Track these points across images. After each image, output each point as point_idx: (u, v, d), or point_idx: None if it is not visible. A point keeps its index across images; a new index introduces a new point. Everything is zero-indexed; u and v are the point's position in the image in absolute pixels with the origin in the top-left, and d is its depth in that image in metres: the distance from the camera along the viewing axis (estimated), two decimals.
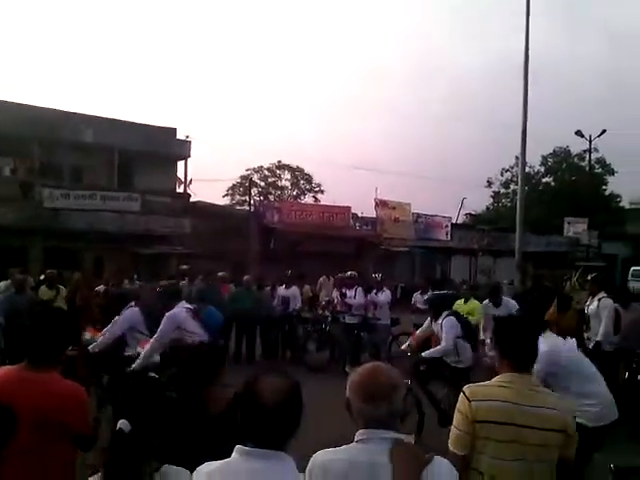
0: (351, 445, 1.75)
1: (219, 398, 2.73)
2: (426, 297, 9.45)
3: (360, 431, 1.74)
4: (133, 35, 75.97)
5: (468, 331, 6.21)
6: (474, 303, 9.02)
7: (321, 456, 1.76)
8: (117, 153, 20.95)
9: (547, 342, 3.53)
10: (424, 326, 6.73)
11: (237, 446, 1.61)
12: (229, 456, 1.65)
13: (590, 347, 7.13)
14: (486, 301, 8.33)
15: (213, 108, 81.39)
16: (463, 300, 9.11)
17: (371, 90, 79.08)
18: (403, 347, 6.86)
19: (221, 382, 2.88)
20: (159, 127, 22.88)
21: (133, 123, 21.92)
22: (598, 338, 7.12)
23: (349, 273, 10.24)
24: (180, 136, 23.40)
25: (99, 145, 20.28)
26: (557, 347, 3.73)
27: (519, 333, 2.47)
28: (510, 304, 8.01)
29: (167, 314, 5.70)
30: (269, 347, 10.50)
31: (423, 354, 5.99)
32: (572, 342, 7.14)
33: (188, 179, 24.13)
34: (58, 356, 2.55)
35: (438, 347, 5.92)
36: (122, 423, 1.90)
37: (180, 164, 24.12)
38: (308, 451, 1.80)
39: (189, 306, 5.86)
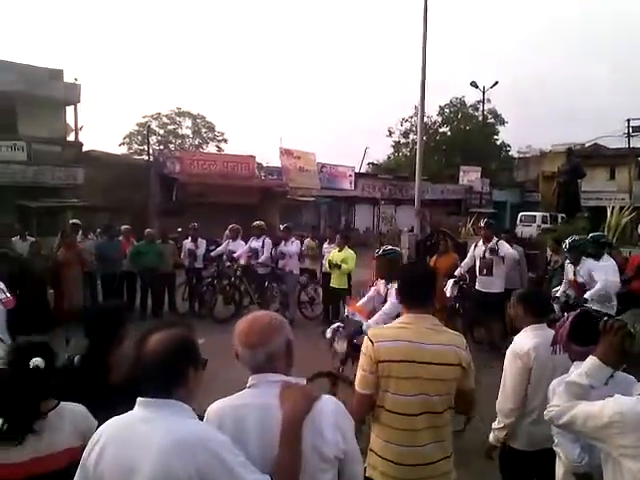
0: (243, 391, 1.79)
1: (122, 363, 2.52)
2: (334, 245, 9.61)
3: (250, 377, 1.78)
4: None
5: None
6: (348, 252, 9.28)
7: (215, 406, 1.78)
8: None
9: None
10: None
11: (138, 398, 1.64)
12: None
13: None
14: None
15: (103, 50, 75.83)
16: (338, 249, 9.37)
17: (272, 33, 76.99)
18: None
19: (123, 345, 2.57)
20: (43, 68, 20.81)
21: (12, 62, 19.75)
22: None
23: (256, 223, 10.20)
24: (68, 79, 21.61)
25: None
26: None
27: (413, 277, 2.61)
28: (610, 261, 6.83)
29: None
30: (175, 301, 10.37)
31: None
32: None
33: (79, 126, 22.53)
34: None
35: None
36: (37, 361, 1.99)
37: (69, 110, 22.39)
38: (215, 399, 1.82)
39: None
